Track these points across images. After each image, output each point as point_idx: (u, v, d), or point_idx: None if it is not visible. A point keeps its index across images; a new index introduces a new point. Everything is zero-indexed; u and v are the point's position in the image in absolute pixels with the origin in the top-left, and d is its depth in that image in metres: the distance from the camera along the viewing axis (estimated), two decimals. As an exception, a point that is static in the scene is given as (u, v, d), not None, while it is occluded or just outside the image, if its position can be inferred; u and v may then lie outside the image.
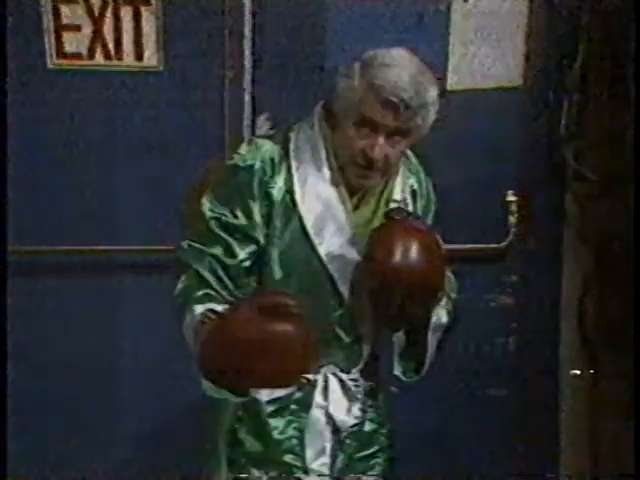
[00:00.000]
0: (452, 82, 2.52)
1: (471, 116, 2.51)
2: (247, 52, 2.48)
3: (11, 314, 2.41)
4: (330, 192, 1.63)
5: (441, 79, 2.47)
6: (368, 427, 1.76)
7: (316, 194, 1.63)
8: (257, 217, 1.61)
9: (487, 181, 2.55)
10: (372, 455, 1.79)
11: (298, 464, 1.70)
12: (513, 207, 2.54)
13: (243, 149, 1.66)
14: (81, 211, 2.56)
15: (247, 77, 2.48)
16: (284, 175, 1.63)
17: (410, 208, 1.74)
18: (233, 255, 1.59)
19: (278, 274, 1.64)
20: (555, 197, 2.57)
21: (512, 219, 2.54)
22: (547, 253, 2.61)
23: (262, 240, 1.62)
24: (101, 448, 2.69)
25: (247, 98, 2.50)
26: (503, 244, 2.56)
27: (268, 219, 1.62)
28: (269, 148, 1.63)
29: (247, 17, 2.47)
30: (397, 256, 1.51)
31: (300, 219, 1.63)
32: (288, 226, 1.65)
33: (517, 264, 2.62)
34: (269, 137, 1.69)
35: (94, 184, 2.55)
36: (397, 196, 1.71)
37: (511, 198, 2.54)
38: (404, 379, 1.74)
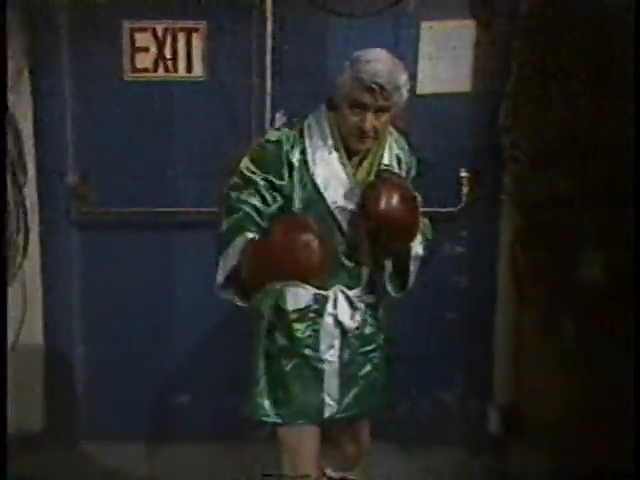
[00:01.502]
0: (421, 88, 2.86)
1: (434, 113, 2.89)
2: (268, 65, 2.86)
3: (89, 264, 3.01)
4: (333, 157, 1.87)
5: (412, 85, 2.75)
6: (368, 330, 1.99)
7: (323, 160, 1.87)
8: (284, 177, 1.85)
9: (445, 161, 2.90)
10: (371, 351, 2.02)
11: (314, 355, 1.94)
12: (465, 181, 2.93)
13: (271, 132, 1.92)
14: (148, 181, 2.96)
15: (268, 83, 2.87)
16: (300, 148, 1.86)
17: (396, 170, 1.94)
18: (267, 204, 1.83)
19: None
20: (496, 174, 2.94)
21: (464, 190, 2.93)
22: (489, 215, 2.99)
23: (287, 194, 1.85)
24: (155, 372, 3.09)
25: (268, 99, 2.89)
26: (457, 208, 2.95)
27: (290, 180, 1.86)
28: (288, 132, 1.88)
29: (268, 39, 2.84)
30: (382, 204, 1.75)
31: (312, 179, 1.87)
32: (304, 184, 1.87)
33: (467, 223, 3.01)
34: (288, 126, 1.93)
35: (157, 162, 2.96)
36: (386, 161, 1.93)
37: (463, 174, 2.93)
38: (393, 294, 1.99)
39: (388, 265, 1.97)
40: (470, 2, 2.81)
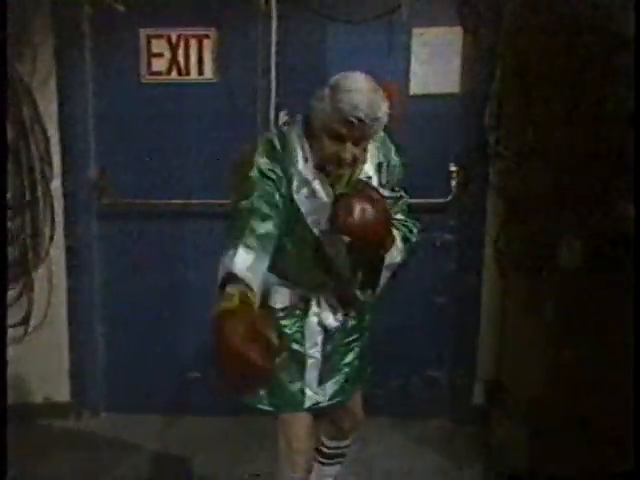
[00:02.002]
0: (413, 90, 3.01)
1: (425, 112, 3.01)
2: (273, 68, 2.99)
3: (108, 250, 3.18)
4: (313, 179, 1.83)
5: (405, 87, 2.99)
6: (350, 324, 2.05)
7: (304, 181, 1.83)
8: (280, 190, 1.80)
9: (437, 156, 3.04)
10: (352, 341, 2.08)
11: (300, 350, 2.00)
12: (454, 175, 3.07)
13: (263, 150, 1.81)
14: (162, 175, 3.11)
15: (273, 85, 3.01)
16: (284, 167, 1.81)
17: (375, 179, 1.90)
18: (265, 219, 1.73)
19: (282, 232, 1.79)
20: (482, 168, 3.04)
21: (453, 182, 3.07)
22: (476, 206, 3.09)
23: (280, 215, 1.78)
24: (169, 350, 3.24)
25: (273, 99, 3.01)
26: (447, 199, 3.09)
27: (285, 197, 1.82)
28: (277, 150, 1.82)
29: (273, 44, 2.97)
30: (350, 217, 1.74)
31: (293, 199, 1.83)
32: (287, 203, 1.82)
33: (456, 213, 3.13)
34: (280, 139, 1.83)
35: (170, 157, 3.11)
36: (367, 173, 1.91)
37: (453, 168, 3.07)
38: (361, 298, 2.00)
39: (359, 273, 1.98)
40: (458, 11, 2.93)
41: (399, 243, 1.92)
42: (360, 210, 1.73)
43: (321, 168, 1.82)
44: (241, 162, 1.91)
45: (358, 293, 1.99)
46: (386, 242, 1.85)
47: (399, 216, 2.03)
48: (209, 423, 3.23)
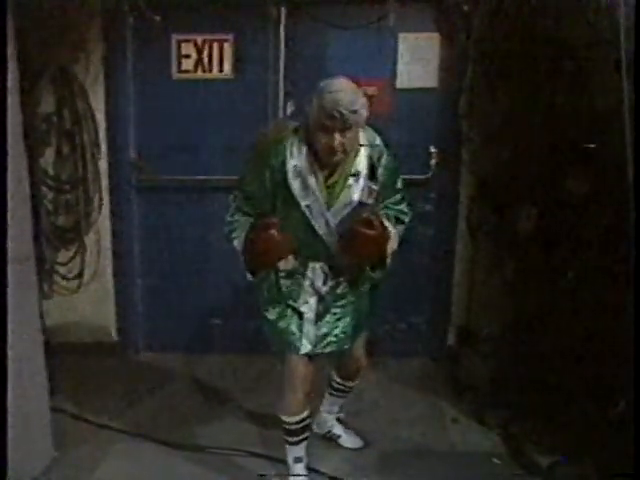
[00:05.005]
0: (399, 84, 3.38)
1: (410, 103, 3.40)
2: (282, 66, 3.37)
3: (145, 218, 3.56)
4: (307, 170, 2.05)
5: (392, 82, 3.36)
6: (339, 290, 2.26)
7: (298, 172, 2.05)
8: (266, 186, 2.08)
9: (419, 140, 3.41)
10: (342, 306, 2.28)
11: (293, 305, 2.23)
12: (433, 155, 3.44)
13: (269, 144, 2.10)
14: (189, 156, 3.51)
15: (281, 80, 3.39)
16: (282, 161, 2.05)
17: (364, 174, 2.10)
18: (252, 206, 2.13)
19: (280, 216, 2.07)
20: (456, 150, 3.41)
21: (433, 162, 3.45)
22: (451, 181, 3.47)
23: (270, 198, 2.08)
24: (196, 300, 3.69)
25: (281, 92, 3.40)
26: (427, 175, 3.46)
27: (273, 187, 2.07)
28: (279, 147, 2.06)
29: (282, 46, 3.36)
30: (356, 252, 2.06)
31: (289, 187, 2.06)
32: (283, 189, 2.06)
33: (435, 187, 3.50)
34: (281, 138, 2.08)
35: (196, 141, 3.50)
36: (359, 168, 2.10)
37: (432, 150, 3.43)
38: (374, 276, 2.22)
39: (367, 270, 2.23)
40: (436, 20, 3.35)
41: (394, 235, 2.15)
42: (362, 241, 2.02)
43: (317, 161, 2.05)
44: (255, 144, 2.23)
45: (371, 273, 2.21)
46: (384, 254, 2.13)
47: (397, 207, 2.29)
48: (228, 359, 3.67)
